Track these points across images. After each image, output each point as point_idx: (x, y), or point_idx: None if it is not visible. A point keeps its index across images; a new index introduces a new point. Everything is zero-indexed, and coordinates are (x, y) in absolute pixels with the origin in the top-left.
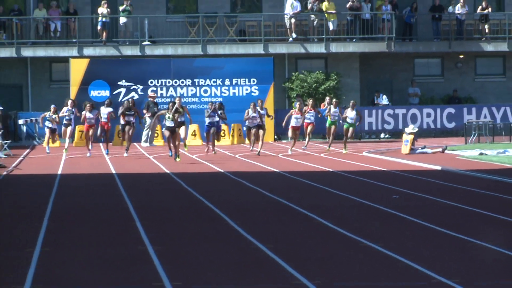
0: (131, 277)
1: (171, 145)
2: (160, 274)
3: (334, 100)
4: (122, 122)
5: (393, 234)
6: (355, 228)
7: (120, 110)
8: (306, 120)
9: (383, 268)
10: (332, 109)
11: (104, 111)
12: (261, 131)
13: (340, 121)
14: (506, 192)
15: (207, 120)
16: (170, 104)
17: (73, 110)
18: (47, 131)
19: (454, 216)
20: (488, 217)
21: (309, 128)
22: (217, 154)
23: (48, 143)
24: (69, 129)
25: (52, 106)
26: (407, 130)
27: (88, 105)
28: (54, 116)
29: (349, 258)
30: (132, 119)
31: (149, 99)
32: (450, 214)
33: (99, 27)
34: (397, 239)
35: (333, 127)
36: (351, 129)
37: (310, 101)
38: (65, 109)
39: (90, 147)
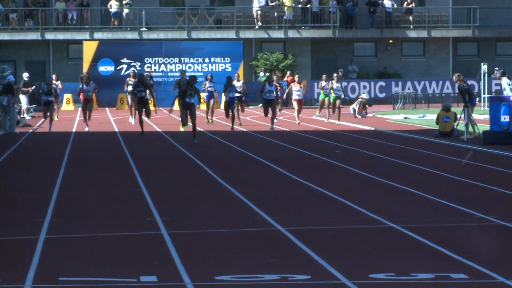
0: (130, 213)
1: (189, 123)
2: (152, 211)
3: (335, 75)
4: (129, 97)
5: (335, 180)
6: (305, 175)
7: (130, 88)
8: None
9: (327, 206)
10: (335, 84)
11: (89, 88)
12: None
13: (342, 95)
14: (425, 148)
15: (226, 96)
16: (192, 78)
17: (57, 83)
18: (44, 106)
19: (383, 166)
20: (410, 167)
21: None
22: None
23: (47, 116)
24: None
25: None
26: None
27: (84, 77)
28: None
29: (301, 199)
30: (144, 94)
31: (146, 73)
32: (380, 164)
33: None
34: (339, 184)
35: (337, 101)
36: (338, 100)
37: (275, 76)
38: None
39: (88, 120)
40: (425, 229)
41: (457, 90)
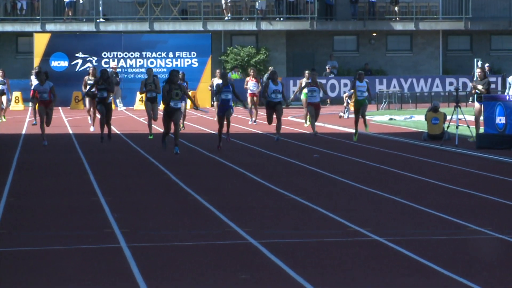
0: (86, 224)
1: (170, 130)
2: (111, 222)
3: (359, 71)
4: (87, 100)
5: (314, 188)
6: (281, 182)
7: (88, 87)
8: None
9: (305, 218)
10: (358, 83)
11: (45, 88)
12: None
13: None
14: (412, 152)
15: (218, 99)
16: (173, 73)
17: (4, 80)
18: None
19: (366, 172)
20: (396, 174)
21: (255, 99)
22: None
23: None
24: (3, 98)
25: None
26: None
27: (39, 72)
28: None
29: (276, 209)
30: (106, 95)
31: (111, 69)
32: (363, 170)
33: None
34: (318, 193)
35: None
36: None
37: (251, 71)
38: None
39: (46, 128)
40: (412, 242)
41: (449, 89)
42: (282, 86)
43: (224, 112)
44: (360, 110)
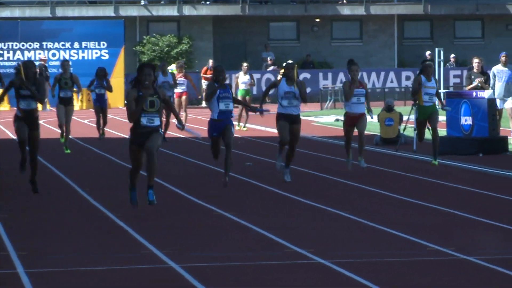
0: None
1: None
2: (6, 244)
3: (425, 62)
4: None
5: (246, 202)
6: (207, 196)
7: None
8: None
9: (235, 236)
10: (425, 81)
11: None
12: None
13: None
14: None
15: (212, 110)
16: (143, 69)
17: None
18: None
19: (307, 184)
20: (343, 185)
21: (183, 98)
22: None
23: None
24: None
25: None
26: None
27: None
28: None
29: (202, 226)
30: (34, 106)
31: (40, 62)
32: (303, 182)
33: None
34: (251, 208)
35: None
36: (247, 97)
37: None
38: None
39: None
40: (362, 265)
41: (405, 84)
42: (302, 86)
43: (220, 131)
44: (428, 121)
